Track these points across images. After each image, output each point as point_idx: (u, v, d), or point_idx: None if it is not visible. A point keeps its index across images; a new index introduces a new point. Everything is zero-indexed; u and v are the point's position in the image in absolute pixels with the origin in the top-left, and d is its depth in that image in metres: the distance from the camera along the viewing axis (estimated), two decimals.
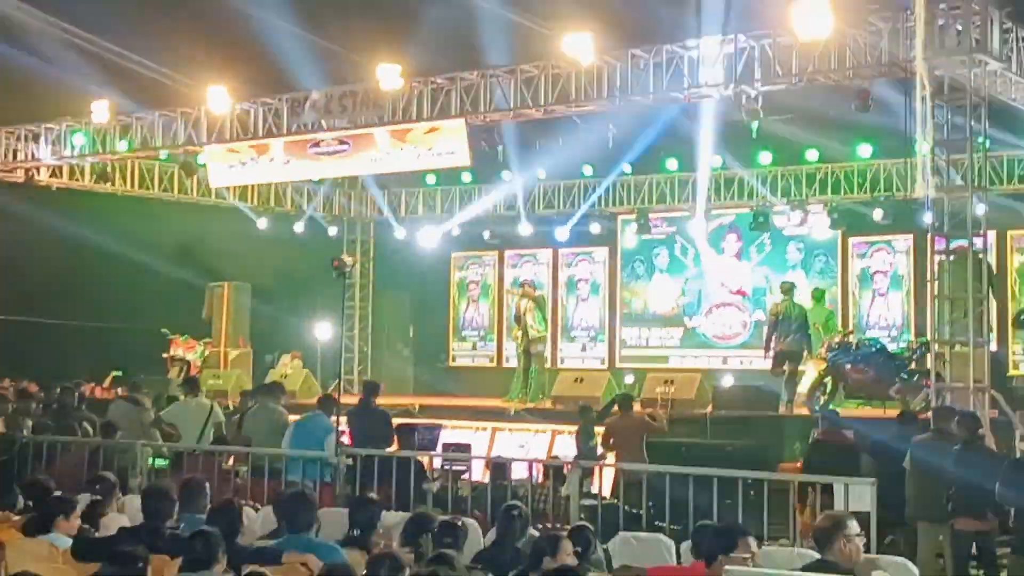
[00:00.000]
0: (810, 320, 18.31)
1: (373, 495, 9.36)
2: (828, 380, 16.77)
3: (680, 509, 9.84)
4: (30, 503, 9.03)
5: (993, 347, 14.91)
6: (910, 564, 8.03)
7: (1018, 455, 11.36)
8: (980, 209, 13.33)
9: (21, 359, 21.22)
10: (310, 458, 12.25)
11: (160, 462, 13.59)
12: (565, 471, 12.80)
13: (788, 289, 18.48)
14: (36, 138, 20.00)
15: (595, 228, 23.60)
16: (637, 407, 16.56)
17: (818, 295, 19.71)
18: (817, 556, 6.58)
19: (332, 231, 24.84)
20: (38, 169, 20.24)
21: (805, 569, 6.42)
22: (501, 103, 15.86)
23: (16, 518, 8.71)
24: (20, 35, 18.93)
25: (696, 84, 14.53)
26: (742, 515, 9.49)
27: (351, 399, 15.53)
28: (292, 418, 13.59)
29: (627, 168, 22.04)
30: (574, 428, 16.11)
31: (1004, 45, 13.16)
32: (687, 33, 14.75)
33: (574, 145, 19.42)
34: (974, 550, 10.38)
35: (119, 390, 18.06)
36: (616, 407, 15.14)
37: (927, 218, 14.08)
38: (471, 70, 16.17)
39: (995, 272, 16.64)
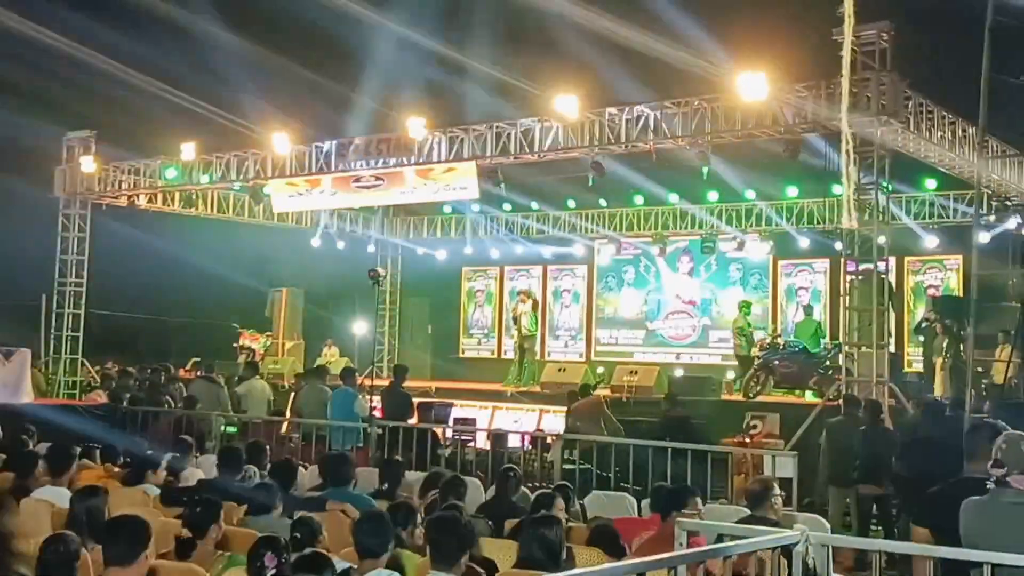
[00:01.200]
0: (800, 331, 18.56)
1: (399, 458, 9.37)
2: (760, 373, 16.74)
3: (641, 473, 9.84)
4: (128, 459, 9.04)
5: (892, 349, 14.91)
6: (823, 519, 8.05)
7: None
8: (883, 239, 13.36)
9: (123, 346, 21.30)
10: (349, 428, 12.27)
11: (230, 429, 13.61)
12: (550, 441, 12.82)
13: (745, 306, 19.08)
14: (136, 171, 20.01)
15: (576, 250, 23.65)
16: (606, 392, 16.59)
17: (808, 310, 19.53)
18: (749, 512, 6.59)
19: (370, 248, 24.84)
20: (138, 196, 20.25)
21: (741, 522, 6.43)
22: (504, 149, 15.88)
23: (117, 471, 8.74)
24: (123, 90, 19.00)
25: (659, 136, 14.55)
26: (690, 479, 9.49)
27: (382, 381, 15.51)
28: None
29: (603, 202, 22.09)
30: (559, 408, 16.17)
31: (904, 109, 13.20)
32: (653, 95, 14.80)
33: (561, 183, 19.43)
34: (874, 510, 10.39)
35: (198, 371, 18.05)
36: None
37: (840, 246, 14.11)
38: (480, 123, 16.21)
39: (894, 290, 16.62)
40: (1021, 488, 4.27)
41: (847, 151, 11.76)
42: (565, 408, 15.34)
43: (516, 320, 20.09)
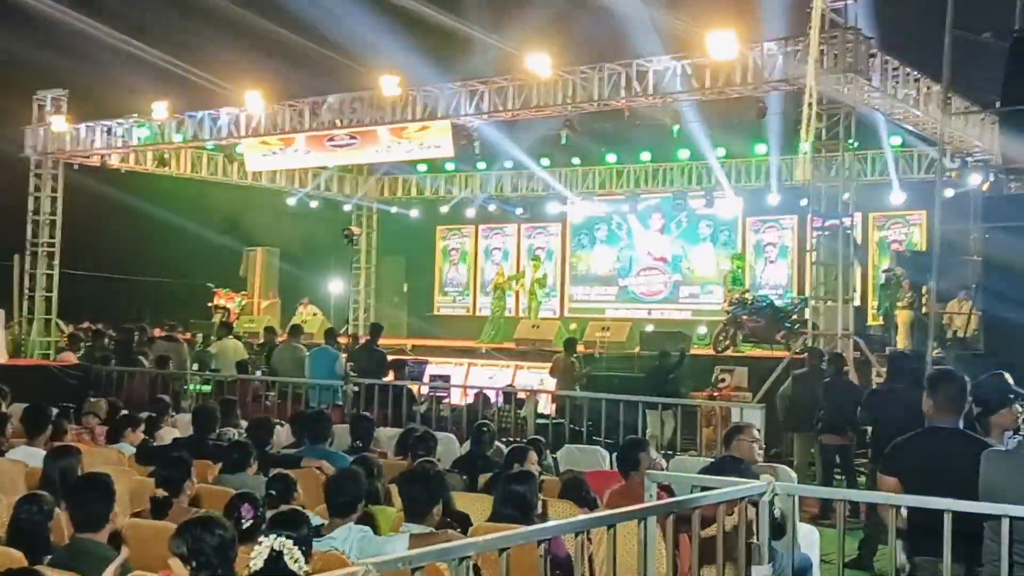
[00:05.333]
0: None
1: (367, 413, 9.31)
2: (729, 328, 16.78)
3: (613, 426, 9.88)
4: (104, 419, 8.94)
5: (856, 303, 15.00)
6: (790, 469, 8.12)
7: (874, 387, 11.43)
8: (848, 195, 13.37)
9: (97, 306, 21.08)
10: (326, 386, 12.22)
11: (204, 387, 13.52)
12: (523, 397, 12.85)
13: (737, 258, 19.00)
14: (109, 131, 19.68)
15: (549, 208, 23.57)
16: (581, 348, 16.61)
17: (737, 258, 19.53)
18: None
19: (344, 208, 24.66)
20: (110, 156, 19.96)
21: (712, 463, 6.46)
22: (478, 107, 15.74)
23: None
24: (95, 48, 18.66)
25: (631, 94, 14.45)
26: (660, 432, 9.54)
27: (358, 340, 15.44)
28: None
29: (576, 160, 22.00)
30: (533, 364, 16.27)
31: (869, 67, 13.17)
32: (625, 53, 14.68)
33: (535, 141, 19.31)
34: (837, 459, 10.49)
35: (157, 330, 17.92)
36: (563, 349, 15.11)
37: (806, 202, 14.13)
38: (454, 80, 16.05)
39: (859, 245, 16.70)
40: None
41: (808, 104, 11.73)
42: (543, 364, 15.36)
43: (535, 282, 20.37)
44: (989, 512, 3.91)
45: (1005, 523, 3.77)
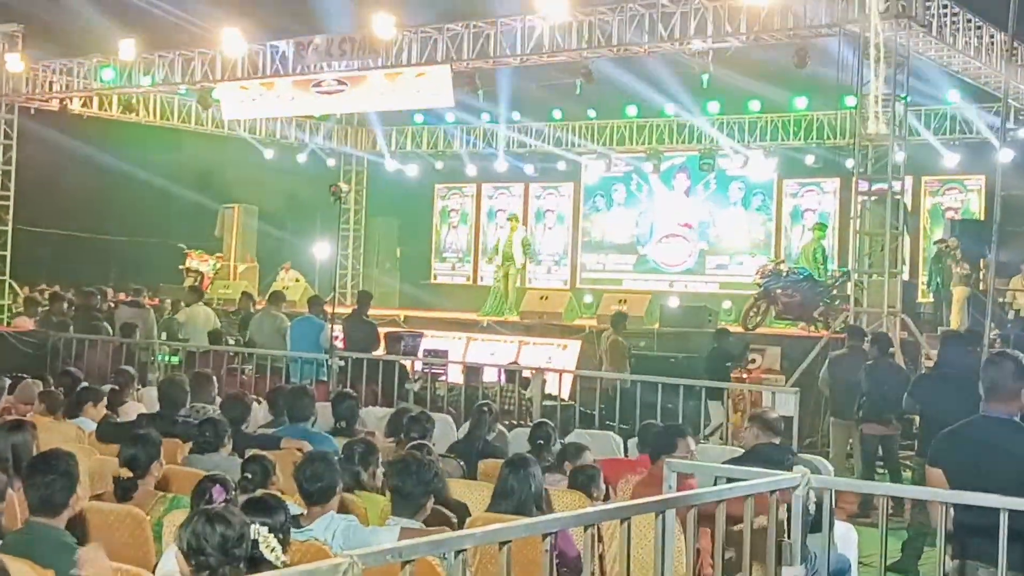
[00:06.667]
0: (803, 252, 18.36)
1: (349, 390, 9.31)
2: (761, 303, 16.70)
3: (629, 410, 9.86)
4: (61, 390, 8.95)
5: (905, 277, 14.93)
6: (825, 461, 8.12)
7: (923, 371, 11.41)
8: (900, 156, 13.28)
9: (55, 267, 21.11)
10: (309, 360, 12.22)
11: (174, 359, 13.54)
12: (528, 376, 12.86)
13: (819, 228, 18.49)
14: (69, 72, 19.64)
15: (562, 166, 23.49)
16: (593, 322, 16.59)
17: (819, 229, 19.07)
18: (742, 451, 6.63)
19: (331, 162, 24.60)
20: (71, 99, 19.91)
21: (754, 449, 6.47)
22: (483, 51, 15.65)
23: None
24: None
25: (655, 39, 14.35)
26: (682, 416, 9.54)
27: (345, 309, 15.43)
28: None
29: (592, 113, 21.89)
30: (539, 339, 16.24)
31: (926, 11, 13.05)
32: None
33: (546, 91, 19.21)
34: (880, 451, 10.48)
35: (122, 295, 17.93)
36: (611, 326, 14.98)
37: (852, 163, 14.05)
38: (456, 22, 15.95)
39: (910, 212, 16.61)
40: None
41: (875, 44, 11.58)
42: (550, 340, 15.34)
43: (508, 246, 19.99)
44: None
45: None
